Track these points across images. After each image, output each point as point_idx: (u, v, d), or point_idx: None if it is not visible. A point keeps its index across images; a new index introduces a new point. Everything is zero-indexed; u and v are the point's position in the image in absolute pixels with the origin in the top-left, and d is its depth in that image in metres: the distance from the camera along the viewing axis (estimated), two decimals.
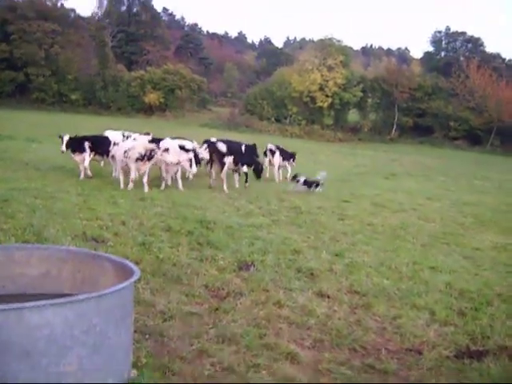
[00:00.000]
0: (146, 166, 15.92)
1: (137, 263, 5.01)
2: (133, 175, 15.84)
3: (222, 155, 17.47)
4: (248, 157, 18.32)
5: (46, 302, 3.94)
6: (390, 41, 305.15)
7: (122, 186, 15.77)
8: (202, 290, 7.46)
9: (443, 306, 7.66)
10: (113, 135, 19.44)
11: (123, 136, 19.70)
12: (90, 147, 17.74)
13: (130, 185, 15.71)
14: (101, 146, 18.20)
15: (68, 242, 8.90)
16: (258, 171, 19.13)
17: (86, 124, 43.75)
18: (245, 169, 18.15)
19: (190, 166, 16.67)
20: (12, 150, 23.85)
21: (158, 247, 9.23)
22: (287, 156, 23.70)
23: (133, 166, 15.74)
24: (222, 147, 17.63)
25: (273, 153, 22.57)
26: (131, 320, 4.76)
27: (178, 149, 16.55)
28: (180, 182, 16.79)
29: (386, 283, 8.48)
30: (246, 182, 18.38)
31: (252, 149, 18.91)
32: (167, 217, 11.86)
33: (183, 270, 8.16)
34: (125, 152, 15.87)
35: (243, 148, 18.36)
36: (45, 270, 5.36)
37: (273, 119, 74.22)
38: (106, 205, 12.80)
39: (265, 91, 77.13)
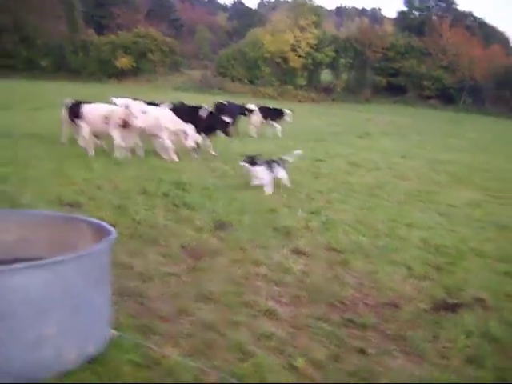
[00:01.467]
0: None
1: (113, 226, 4.98)
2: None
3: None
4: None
5: (23, 264, 3.92)
6: (363, 0, 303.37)
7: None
8: (180, 251, 7.47)
9: (420, 262, 7.75)
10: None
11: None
12: None
13: None
14: None
15: (43, 207, 8.84)
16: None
17: (56, 89, 43.23)
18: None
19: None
20: None
21: (134, 210, 9.20)
22: (271, 114, 23.78)
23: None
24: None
25: (250, 112, 22.65)
26: (109, 281, 4.75)
27: None
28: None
29: (362, 240, 8.55)
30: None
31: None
32: (142, 179, 11.81)
33: (160, 232, 8.16)
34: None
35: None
36: (21, 234, 5.31)
37: (246, 80, 73.87)
38: (81, 170, 12.71)
39: (237, 52, 76.68)
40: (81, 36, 79.64)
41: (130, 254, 7.16)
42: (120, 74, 76.69)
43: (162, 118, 15.32)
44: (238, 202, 10.45)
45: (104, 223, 5.13)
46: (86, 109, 15.67)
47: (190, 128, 15.46)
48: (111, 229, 4.83)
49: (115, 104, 15.17)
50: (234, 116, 20.46)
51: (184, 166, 14.20)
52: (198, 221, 8.85)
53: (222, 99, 24.88)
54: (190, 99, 24.84)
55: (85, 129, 15.46)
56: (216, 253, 7.47)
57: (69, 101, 17.69)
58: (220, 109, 20.18)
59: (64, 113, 17.45)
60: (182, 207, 9.70)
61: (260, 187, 11.77)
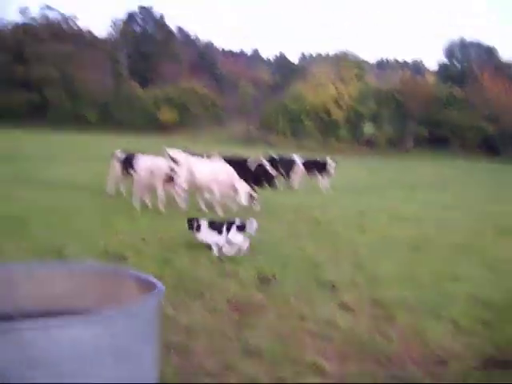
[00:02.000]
0: None
1: (158, 279, 5.01)
2: None
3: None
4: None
5: (72, 318, 3.94)
6: (404, 53, 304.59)
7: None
8: (224, 305, 7.46)
9: (467, 317, 7.59)
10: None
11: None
12: None
13: None
14: None
15: (89, 258, 8.94)
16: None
17: (102, 142, 43.95)
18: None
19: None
20: (30, 169, 24.07)
21: (179, 262, 9.26)
22: (315, 166, 23.86)
23: None
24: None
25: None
26: (156, 335, 4.75)
27: None
28: None
29: (407, 294, 8.43)
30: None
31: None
32: (187, 232, 11.86)
33: (205, 285, 8.17)
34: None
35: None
36: (68, 286, 5.34)
37: (288, 134, 74.31)
38: (126, 221, 12.85)
39: (280, 106, 77.37)
40: (125, 89, 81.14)
41: (175, 306, 7.17)
42: (163, 127, 77.84)
43: (218, 172, 15.35)
44: (282, 255, 10.44)
45: (150, 277, 5.15)
46: (141, 160, 15.92)
47: (243, 183, 15.46)
48: (158, 283, 4.84)
49: (169, 155, 15.40)
50: (282, 168, 20.65)
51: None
52: (243, 275, 8.85)
53: (266, 153, 25.20)
54: (233, 153, 25.01)
55: (138, 180, 15.78)
56: (261, 307, 7.44)
57: (120, 152, 17.96)
58: (269, 161, 20.40)
59: (115, 164, 17.67)
60: (226, 261, 9.73)
61: (304, 240, 11.76)
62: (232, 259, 9.86)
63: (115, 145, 29.62)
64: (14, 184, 18.78)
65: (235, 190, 15.40)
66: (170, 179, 14.92)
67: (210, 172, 15.42)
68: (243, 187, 15.35)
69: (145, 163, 15.74)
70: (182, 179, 14.89)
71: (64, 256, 9.07)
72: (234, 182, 15.39)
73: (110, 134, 68.22)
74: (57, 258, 8.93)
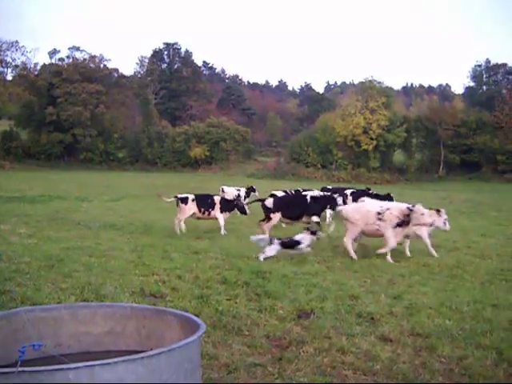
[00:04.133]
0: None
1: (196, 316, 5.04)
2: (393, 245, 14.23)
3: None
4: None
5: (117, 358, 3.97)
6: (430, 78, 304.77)
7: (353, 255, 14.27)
8: (264, 341, 7.45)
9: (510, 345, 7.50)
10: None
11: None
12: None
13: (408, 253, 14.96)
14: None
15: (126, 298, 8.99)
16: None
17: (134, 180, 44.30)
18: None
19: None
20: (63, 210, 24.33)
21: (216, 299, 9.26)
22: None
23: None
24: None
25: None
26: (199, 373, 4.77)
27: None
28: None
29: (448, 324, 8.36)
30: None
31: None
32: (222, 269, 11.90)
33: (243, 321, 8.17)
34: (379, 214, 14.39)
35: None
36: (109, 327, 5.40)
37: (319, 165, 74.42)
38: (161, 260, 12.90)
39: (309, 138, 77.63)
40: (156, 128, 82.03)
41: (215, 344, 7.18)
42: (194, 163, 78.39)
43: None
44: (319, 288, 10.41)
45: (191, 315, 5.18)
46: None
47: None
48: (199, 321, 4.87)
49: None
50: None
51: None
52: (281, 309, 8.84)
53: (298, 185, 25.65)
54: (265, 186, 25.17)
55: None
56: (301, 342, 7.41)
57: (189, 195, 18.59)
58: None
59: (189, 205, 18.22)
60: (263, 296, 9.71)
61: (340, 272, 11.74)
62: (269, 294, 9.84)
63: (145, 183, 29.87)
64: (50, 224, 18.98)
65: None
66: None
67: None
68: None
69: (356, 206, 15.74)
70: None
71: (102, 295, 9.12)
72: None
73: (142, 171, 68.88)
74: (95, 298, 8.99)
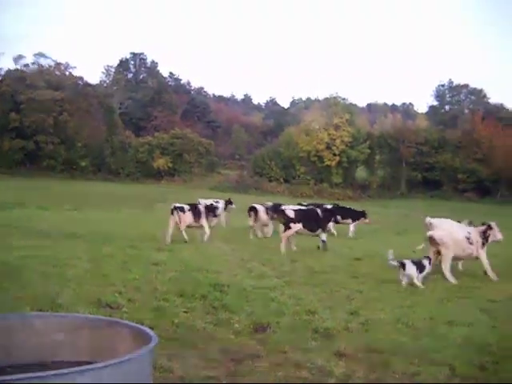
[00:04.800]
0: None
1: (152, 329, 5.00)
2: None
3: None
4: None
5: (67, 369, 3.92)
6: (394, 96, 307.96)
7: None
8: (219, 354, 7.42)
9: (463, 361, 7.56)
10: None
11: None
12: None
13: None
14: None
15: (82, 308, 8.89)
16: None
17: (96, 190, 43.99)
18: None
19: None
20: (24, 218, 24.09)
21: (173, 312, 9.21)
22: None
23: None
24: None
25: None
26: None
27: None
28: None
29: (403, 340, 8.41)
30: None
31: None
32: (181, 281, 11.84)
33: (199, 335, 8.13)
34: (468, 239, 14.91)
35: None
36: (62, 337, 5.33)
37: (281, 180, 74.60)
38: (119, 270, 12.80)
39: (272, 152, 77.86)
40: (119, 137, 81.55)
41: (169, 357, 7.12)
42: (157, 174, 78.04)
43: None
44: (276, 302, 10.41)
45: (144, 327, 5.14)
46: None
47: None
48: (152, 334, 4.83)
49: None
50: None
51: (221, 267, 14.21)
52: (237, 323, 8.81)
53: (260, 199, 25.91)
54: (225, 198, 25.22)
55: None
56: (256, 356, 7.40)
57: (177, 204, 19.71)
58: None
59: (185, 215, 19.39)
60: (220, 309, 9.67)
61: (299, 287, 11.76)
62: (226, 307, 9.82)
63: (107, 192, 29.67)
64: (9, 232, 18.75)
65: None
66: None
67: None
68: None
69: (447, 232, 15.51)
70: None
71: (58, 305, 9.02)
72: None
73: (104, 181, 68.41)
74: (51, 307, 8.88)
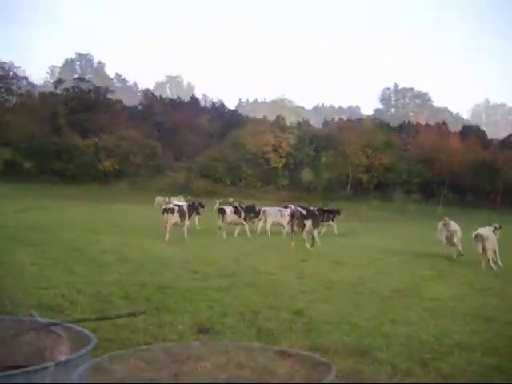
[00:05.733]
0: None
1: (94, 331, 4.94)
2: None
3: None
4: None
5: (3, 373, 3.86)
6: (340, 99, 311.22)
7: None
8: (162, 356, 7.36)
9: (404, 358, 7.65)
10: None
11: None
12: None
13: None
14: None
15: (23, 311, 8.75)
16: None
17: (40, 192, 43.43)
18: None
19: None
20: None
21: (116, 315, 9.11)
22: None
23: None
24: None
25: None
26: None
27: None
28: None
29: (346, 339, 8.45)
30: None
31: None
32: (125, 284, 11.75)
33: (141, 337, 8.06)
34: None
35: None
36: (1, 340, 5.25)
37: (228, 182, 74.67)
38: (62, 273, 12.65)
39: (219, 154, 77.81)
40: (64, 139, 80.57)
41: (111, 359, 7.03)
42: (103, 177, 77.34)
43: None
44: (220, 303, 10.39)
45: (84, 330, 5.08)
46: None
47: None
48: (91, 336, 4.78)
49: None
50: None
51: (166, 269, 14.15)
52: (181, 325, 8.75)
53: (206, 201, 26.36)
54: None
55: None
56: (199, 357, 7.36)
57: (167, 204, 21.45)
58: None
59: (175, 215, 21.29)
60: (163, 311, 9.61)
61: (243, 288, 11.76)
62: (169, 309, 9.77)
63: (51, 195, 29.32)
64: None
65: None
66: None
67: None
68: None
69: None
70: None
71: None
72: None
73: (48, 183, 67.48)
74: None
